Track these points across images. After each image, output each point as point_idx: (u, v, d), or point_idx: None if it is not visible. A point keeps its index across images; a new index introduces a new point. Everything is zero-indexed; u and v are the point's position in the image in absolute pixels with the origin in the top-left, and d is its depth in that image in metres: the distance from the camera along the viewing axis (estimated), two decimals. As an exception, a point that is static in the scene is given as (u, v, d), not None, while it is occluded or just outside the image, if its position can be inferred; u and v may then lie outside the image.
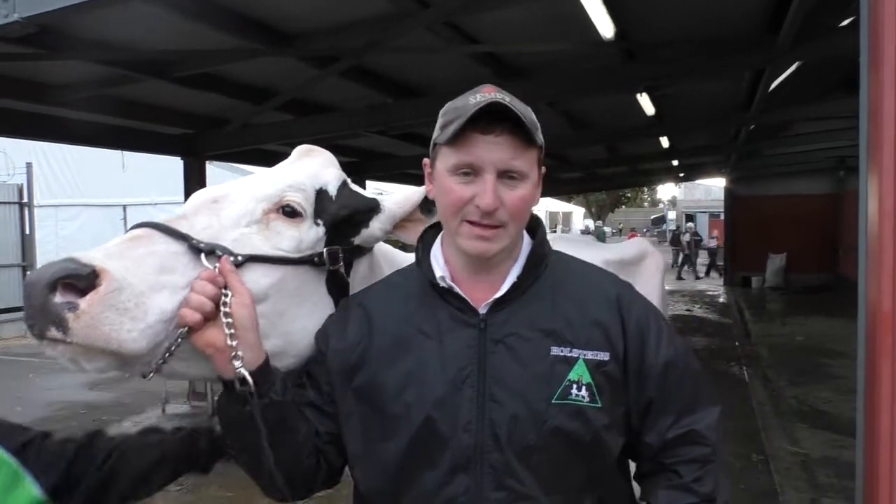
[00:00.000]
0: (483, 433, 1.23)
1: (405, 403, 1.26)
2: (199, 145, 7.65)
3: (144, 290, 1.18)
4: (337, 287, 1.47)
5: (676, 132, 11.20)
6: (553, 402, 1.24)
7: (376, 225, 1.52)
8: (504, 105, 1.20)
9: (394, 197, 1.58)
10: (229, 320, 1.22)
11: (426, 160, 1.37)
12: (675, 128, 10.54)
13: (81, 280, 1.13)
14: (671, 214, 54.65)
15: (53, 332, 1.11)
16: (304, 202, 1.42)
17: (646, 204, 73.24)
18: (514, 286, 1.31)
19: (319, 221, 1.44)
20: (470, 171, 1.24)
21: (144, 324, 1.17)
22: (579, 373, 1.26)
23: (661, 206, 70.03)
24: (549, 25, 5.35)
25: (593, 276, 1.43)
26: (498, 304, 1.30)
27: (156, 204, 18.38)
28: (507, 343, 1.27)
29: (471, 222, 1.25)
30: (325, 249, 1.42)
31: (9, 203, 12.42)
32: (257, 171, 1.53)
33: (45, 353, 1.16)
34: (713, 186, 37.93)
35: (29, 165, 13.11)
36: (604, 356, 1.27)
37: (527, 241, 1.38)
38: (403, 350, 1.30)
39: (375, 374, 1.30)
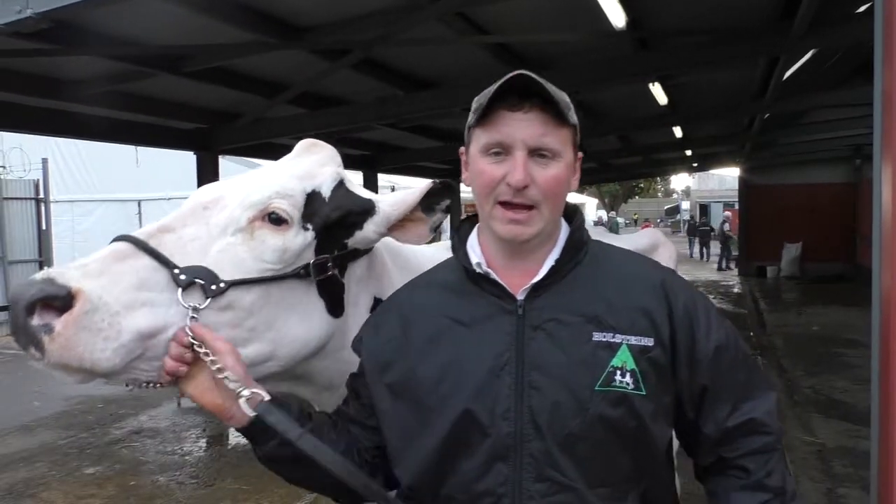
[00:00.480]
0: (522, 421, 1.19)
1: (442, 395, 1.24)
2: (212, 140, 7.69)
3: (119, 309, 1.20)
4: (330, 289, 1.46)
5: (690, 122, 11.12)
6: (596, 388, 1.19)
7: (370, 227, 1.49)
8: (530, 79, 1.18)
9: (389, 198, 1.54)
10: (217, 365, 1.24)
11: (462, 148, 1.35)
12: (689, 117, 10.47)
13: (58, 301, 1.15)
14: (685, 204, 54.34)
15: (33, 351, 1.15)
16: (291, 209, 1.39)
17: (659, 194, 72.82)
18: (551, 271, 1.28)
19: (309, 226, 1.42)
20: (500, 151, 1.22)
21: (118, 343, 1.19)
22: (623, 359, 1.21)
23: (674, 196, 69.61)
24: (561, 15, 5.32)
25: (635, 262, 1.40)
26: (536, 290, 1.27)
27: (170, 199, 18.49)
28: (546, 329, 1.24)
29: (503, 204, 1.23)
30: (311, 261, 1.41)
31: (25, 199, 12.54)
32: (262, 167, 1.52)
33: (35, 365, 1.19)
34: (727, 176, 37.67)
35: (45, 161, 13.21)
36: (648, 342, 1.23)
37: (565, 227, 1.36)
38: (439, 341, 1.28)
39: (412, 368, 1.28)
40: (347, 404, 1.40)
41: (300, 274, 1.39)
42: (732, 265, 21.80)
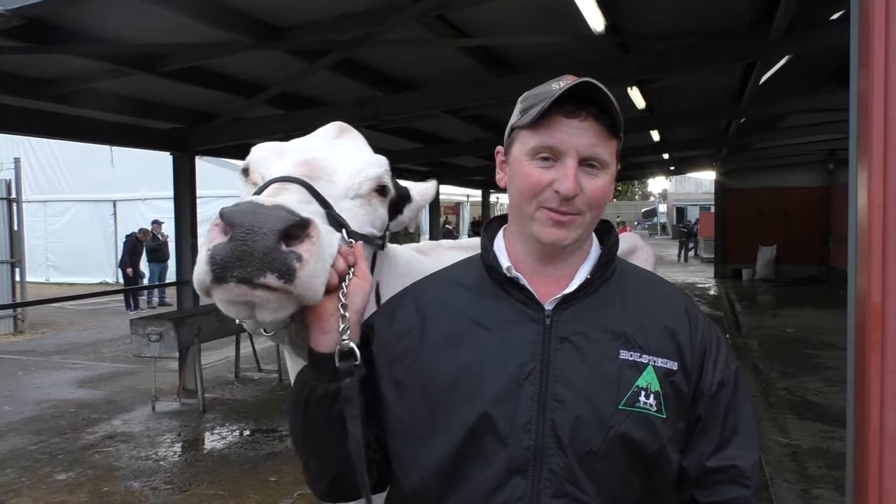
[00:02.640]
0: (544, 434, 1.16)
1: (459, 397, 1.20)
2: (189, 140, 7.61)
3: (325, 245, 1.16)
4: (372, 266, 1.48)
5: (667, 125, 11.21)
6: (620, 407, 1.17)
7: (407, 212, 1.59)
8: (593, 86, 1.17)
9: (416, 188, 1.65)
10: (344, 298, 1.19)
11: (499, 147, 1.33)
12: (666, 121, 10.56)
13: (300, 230, 1.10)
14: (662, 207, 54.84)
15: (271, 279, 1.06)
16: (391, 185, 1.48)
17: (637, 197, 73.44)
18: (584, 284, 1.25)
19: (388, 204, 1.50)
20: (549, 156, 1.20)
21: (327, 275, 1.16)
22: (648, 380, 1.20)
23: (651, 199, 70.23)
24: (540, 18, 5.34)
25: (660, 283, 1.39)
26: (565, 302, 1.24)
27: (146, 199, 18.33)
28: (573, 342, 1.21)
29: (548, 209, 1.20)
30: (387, 233, 1.50)
31: (-3, 199, 12.32)
32: (308, 141, 1.49)
33: (235, 295, 1.08)
34: (704, 179, 38.08)
35: (17, 161, 12.99)
36: (673, 365, 1.22)
37: (595, 242, 1.34)
38: (459, 342, 1.24)
39: (425, 365, 1.24)
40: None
41: (381, 242, 1.47)
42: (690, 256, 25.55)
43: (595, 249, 1.33)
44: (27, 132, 7.77)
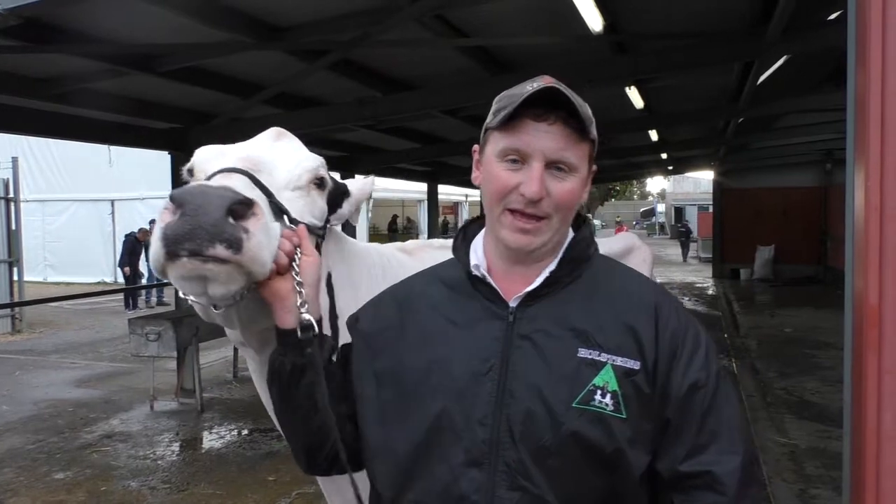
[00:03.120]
0: (500, 429, 1.19)
1: (425, 391, 1.24)
2: (187, 140, 7.59)
3: (270, 223, 1.30)
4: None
5: (666, 125, 11.22)
6: (573, 405, 1.18)
7: (346, 206, 1.71)
8: (559, 91, 1.18)
9: (355, 183, 1.77)
10: (298, 277, 1.31)
11: (475, 146, 1.35)
12: (665, 121, 10.57)
13: (243, 207, 1.21)
14: (660, 207, 54.90)
15: (220, 250, 1.17)
16: (328, 177, 1.61)
17: (635, 197, 73.46)
18: (546, 281, 1.27)
19: (326, 197, 1.61)
20: (518, 158, 1.21)
21: (274, 252, 1.29)
22: (605, 378, 1.19)
23: (650, 198, 70.26)
24: (539, 18, 5.34)
25: (634, 281, 1.36)
26: (529, 299, 1.26)
27: (144, 199, 18.30)
28: (533, 339, 1.23)
29: (513, 211, 1.22)
30: (328, 224, 1.61)
31: (-6, 198, 12.30)
32: (248, 143, 1.60)
33: (186, 270, 1.18)
34: (702, 179, 38.11)
35: (15, 160, 12.97)
36: (634, 364, 1.20)
37: (570, 237, 1.35)
38: (432, 338, 1.29)
39: (402, 359, 1.29)
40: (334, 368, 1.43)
41: (321, 233, 1.58)
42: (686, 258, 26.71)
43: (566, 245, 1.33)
44: (25, 131, 7.76)
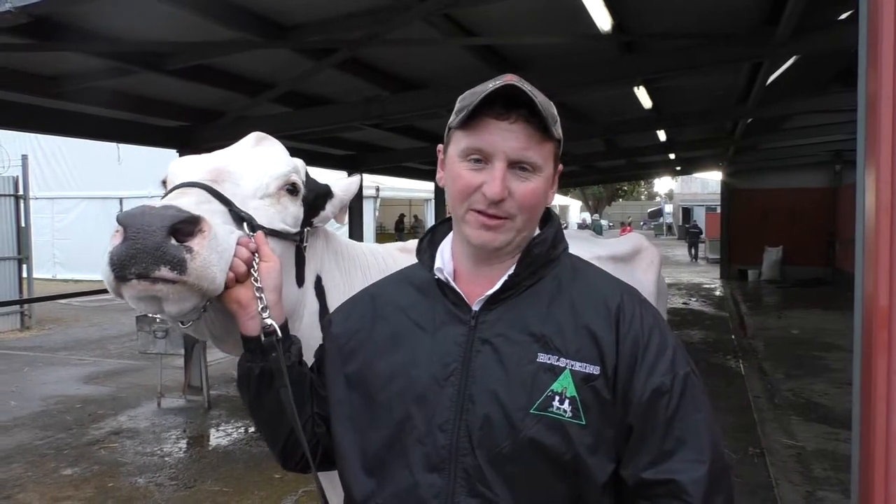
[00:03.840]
0: (459, 434, 1.17)
1: (390, 395, 1.24)
2: (195, 138, 7.62)
3: (222, 238, 1.29)
4: (300, 260, 1.61)
5: (674, 125, 11.19)
6: (531, 411, 1.15)
7: (329, 208, 1.70)
8: (520, 90, 1.15)
9: (339, 184, 1.76)
10: (258, 283, 1.32)
11: (440, 146, 1.34)
12: (673, 121, 10.54)
13: (189, 226, 1.22)
14: (668, 208, 54.73)
15: (165, 272, 1.18)
16: (301, 183, 1.58)
17: (643, 197, 73.27)
18: (507, 284, 1.24)
19: (300, 202, 1.59)
20: (480, 158, 1.20)
21: (226, 267, 1.28)
22: (564, 384, 1.16)
23: (657, 199, 70.07)
24: (547, 17, 5.33)
25: (599, 282, 1.31)
26: (491, 303, 1.24)
27: (152, 197, 18.35)
28: (493, 343, 1.21)
29: (477, 211, 1.20)
30: (306, 229, 1.59)
31: (4, 195, 12.35)
32: (229, 152, 1.61)
33: (137, 291, 1.20)
34: (710, 180, 37.94)
35: (24, 158, 13.03)
36: (593, 370, 1.17)
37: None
38: (399, 341, 1.28)
39: (369, 362, 1.29)
40: (313, 369, 1.44)
41: (297, 238, 1.56)
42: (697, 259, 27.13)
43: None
44: (34, 129, 7.80)
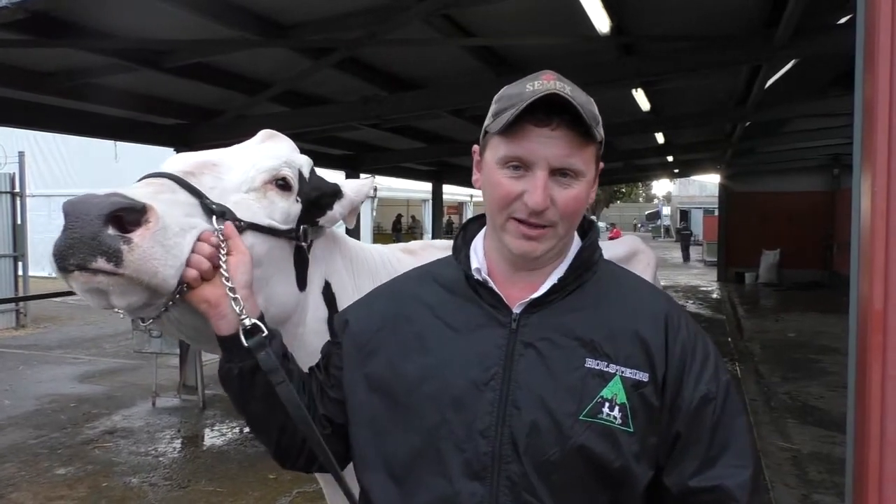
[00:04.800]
0: (502, 441, 1.13)
1: (421, 398, 1.18)
2: (192, 136, 7.61)
3: (178, 230, 1.22)
4: (301, 262, 1.54)
5: (672, 128, 11.20)
6: (581, 418, 1.12)
7: (338, 208, 1.63)
8: (563, 97, 1.11)
9: (351, 184, 1.70)
10: (227, 279, 1.24)
11: (475, 147, 1.28)
12: (671, 123, 10.54)
13: (132, 214, 1.15)
14: (666, 210, 54.80)
15: (101, 263, 1.11)
16: (294, 178, 1.51)
17: (640, 199, 73.35)
18: (553, 288, 1.21)
19: (298, 199, 1.52)
20: (520, 166, 1.15)
21: (179, 262, 1.20)
22: (614, 391, 1.14)
23: (655, 201, 70.15)
24: (545, 19, 5.33)
25: (643, 290, 1.31)
26: (534, 306, 1.20)
27: (149, 195, 18.33)
28: (538, 347, 1.17)
29: (518, 220, 1.16)
30: (302, 226, 1.51)
31: (0, 193, 12.32)
32: (232, 148, 1.58)
33: (81, 283, 1.15)
34: (708, 182, 38.01)
35: (21, 155, 13.01)
36: (643, 377, 1.15)
37: (576, 243, 1.29)
38: (427, 342, 1.22)
39: (394, 363, 1.23)
40: (319, 367, 1.38)
41: (292, 236, 1.48)
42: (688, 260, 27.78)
43: (573, 251, 1.28)
44: (32, 126, 7.78)
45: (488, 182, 1.21)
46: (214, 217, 1.28)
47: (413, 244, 2.19)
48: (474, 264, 1.26)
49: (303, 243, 1.52)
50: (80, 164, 19.54)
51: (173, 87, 6.45)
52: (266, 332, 1.25)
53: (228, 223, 1.29)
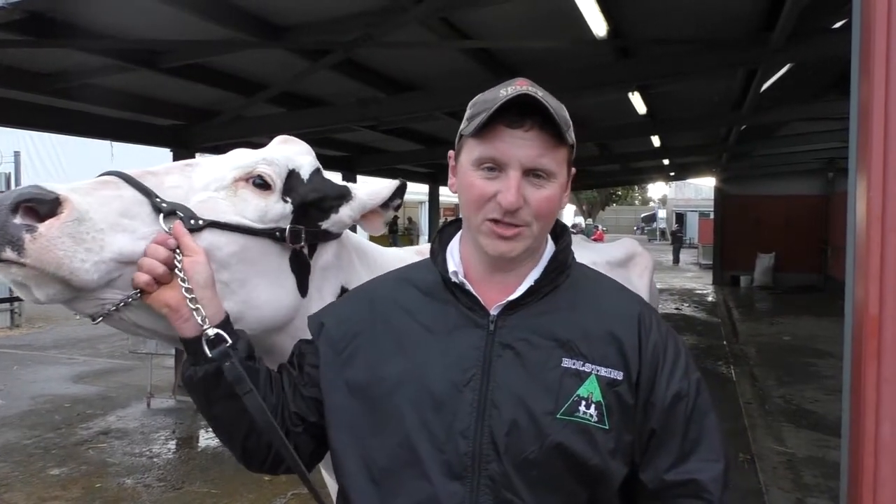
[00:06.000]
0: (482, 441, 1.15)
1: (400, 401, 1.19)
2: (189, 137, 7.60)
3: (104, 227, 1.20)
4: (299, 267, 1.50)
5: (668, 131, 11.22)
6: (558, 416, 1.16)
7: (346, 212, 1.57)
8: (534, 98, 1.14)
9: (366, 187, 1.63)
10: (185, 282, 1.23)
11: (451, 152, 1.31)
12: (667, 127, 10.57)
13: (44, 205, 1.14)
14: (661, 213, 54.89)
15: (8, 253, 1.11)
16: (275, 175, 1.45)
17: (636, 202, 73.47)
18: (529, 290, 1.24)
19: (288, 199, 1.47)
20: (494, 167, 1.18)
21: (98, 257, 1.19)
22: (590, 389, 1.17)
23: (651, 204, 70.27)
24: (542, 22, 5.34)
25: (616, 291, 1.35)
26: (511, 308, 1.23)
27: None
28: (515, 348, 1.20)
29: (492, 220, 1.19)
30: (287, 227, 1.44)
31: (-4, 192, 12.30)
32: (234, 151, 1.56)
33: (2, 275, 1.16)
34: (703, 186, 38.09)
35: (17, 154, 13.00)
36: (617, 375, 1.19)
37: (550, 246, 1.32)
38: (405, 345, 1.24)
39: (372, 366, 1.24)
40: (292, 364, 1.36)
41: (275, 236, 1.42)
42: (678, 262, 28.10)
43: (548, 254, 1.31)
44: (28, 126, 7.76)
45: (463, 184, 1.24)
46: (162, 216, 1.27)
47: (424, 247, 2.19)
48: (451, 267, 1.27)
49: (295, 245, 1.46)
50: (75, 164, 19.48)
51: (170, 87, 6.44)
52: (229, 342, 1.23)
53: (178, 222, 1.27)
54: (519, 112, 1.15)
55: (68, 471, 5.47)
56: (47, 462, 5.66)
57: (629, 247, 3.43)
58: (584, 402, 1.17)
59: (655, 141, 12.42)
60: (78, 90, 6.13)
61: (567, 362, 1.19)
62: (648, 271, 3.33)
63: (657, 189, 67.23)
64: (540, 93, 1.17)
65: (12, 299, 12.16)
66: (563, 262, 1.29)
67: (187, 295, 1.22)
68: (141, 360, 8.16)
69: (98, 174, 1.33)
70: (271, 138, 1.69)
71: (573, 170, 1.29)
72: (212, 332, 1.23)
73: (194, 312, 1.22)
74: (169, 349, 6.99)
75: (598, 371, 1.19)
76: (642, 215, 61.15)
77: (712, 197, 22.01)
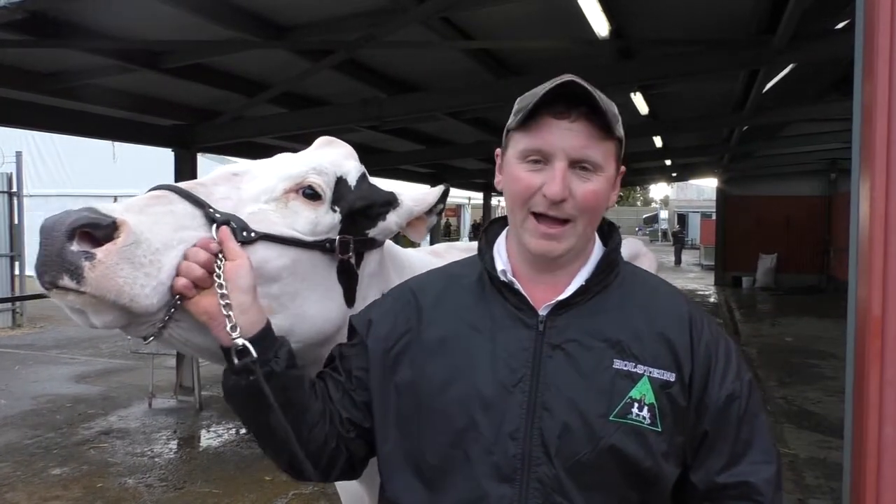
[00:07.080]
0: (531, 443, 1.13)
1: (448, 401, 1.17)
2: (191, 137, 7.60)
3: (160, 247, 1.17)
4: (347, 277, 1.46)
5: (670, 132, 11.21)
6: (611, 419, 1.14)
7: (393, 218, 1.54)
8: (582, 87, 1.12)
9: (411, 193, 1.60)
10: (223, 288, 1.18)
11: (498, 150, 1.28)
12: (669, 127, 10.56)
13: (100, 230, 1.11)
14: (663, 214, 54.84)
15: (66, 281, 1.08)
16: (325, 186, 1.42)
17: (638, 203, 73.45)
18: (580, 290, 1.21)
19: (336, 208, 1.43)
20: (540, 159, 1.16)
21: (157, 280, 1.16)
22: (643, 391, 1.15)
23: (653, 205, 70.23)
24: (544, 22, 5.33)
25: (665, 291, 1.31)
26: (560, 308, 1.20)
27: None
28: (566, 349, 1.17)
29: (537, 215, 1.16)
30: (337, 237, 1.41)
31: (-2, 192, 12.32)
32: (275, 157, 1.52)
33: (59, 301, 1.13)
34: (705, 186, 38.04)
35: (19, 155, 12.99)
36: (670, 377, 1.17)
37: (598, 245, 1.29)
38: (452, 344, 1.21)
39: (420, 367, 1.22)
40: (336, 369, 1.32)
41: (326, 247, 1.39)
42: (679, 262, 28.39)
43: (597, 252, 1.28)
44: (29, 126, 7.76)
45: (508, 178, 1.22)
46: (215, 226, 1.23)
47: (438, 247, 2.17)
48: (499, 266, 1.25)
49: (344, 256, 1.42)
50: (77, 164, 19.51)
51: (172, 87, 6.45)
52: (254, 356, 1.16)
53: (224, 227, 1.23)
54: (566, 103, 1.14)
55: (70, 471, 5.47)
56: (49, 462, 5.66)
57: (634, 247, 3.42)
58: (636, 405, 1.15)
59: (657, 141, 12.41)
60: (80, 90, 6.14)
61: (619, 364, 1.17)
62: (653, 272, 3.32)
63: (659, 190, 67.24)
64: (587, 85, 1.15)
65: (14, 299, 12.18)
66: (614, 262, 1.27)
67: (221, 301, 1.17)
68: (142, 359, 8.16)
69: (149, 188, 1.30)
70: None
71: (623, 168, 1.27)
72: (240, 342, 1.17)
73: (226, 320, 1.17)
74: (170, 349, 6.99)
75: (650, 373, 1.17)
76: (644, 216, 61.07)
77: (714, 198, 21.98)
